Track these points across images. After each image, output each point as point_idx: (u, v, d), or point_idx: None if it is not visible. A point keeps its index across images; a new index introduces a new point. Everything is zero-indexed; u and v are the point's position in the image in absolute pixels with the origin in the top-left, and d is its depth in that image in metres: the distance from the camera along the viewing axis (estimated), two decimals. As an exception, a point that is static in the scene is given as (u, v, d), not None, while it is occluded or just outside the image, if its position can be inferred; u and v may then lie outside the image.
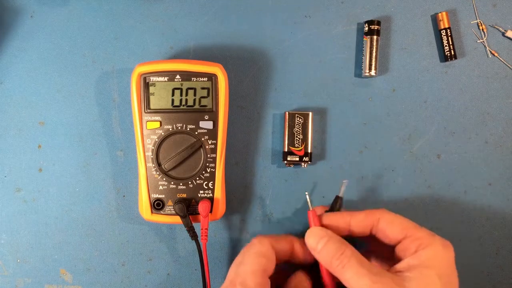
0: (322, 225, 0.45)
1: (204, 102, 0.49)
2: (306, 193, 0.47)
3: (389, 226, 0.44)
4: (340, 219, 0.45)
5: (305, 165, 0.52)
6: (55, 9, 0.53)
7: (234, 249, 0.53)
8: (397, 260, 0.43)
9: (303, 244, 0.45)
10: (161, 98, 0.49)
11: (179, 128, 0.49)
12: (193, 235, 0.49)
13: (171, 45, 0.53)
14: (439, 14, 0.53)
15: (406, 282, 0.39)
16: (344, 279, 0.41)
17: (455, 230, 0.53)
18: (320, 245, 0.43)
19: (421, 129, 0.53)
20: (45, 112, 0.53)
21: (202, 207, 0.48)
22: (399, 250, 0.43)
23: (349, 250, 0.42)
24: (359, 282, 0.39)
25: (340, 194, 0.48)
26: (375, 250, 0.48)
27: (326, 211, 0.47)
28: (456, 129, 0.54)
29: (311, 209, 0.46)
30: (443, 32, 0.53)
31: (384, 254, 0.47)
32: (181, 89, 0.49)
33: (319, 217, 0.46)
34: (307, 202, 0.47)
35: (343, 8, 0.53)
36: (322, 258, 0.43)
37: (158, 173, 0.49)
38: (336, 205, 0.48)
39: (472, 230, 0.53)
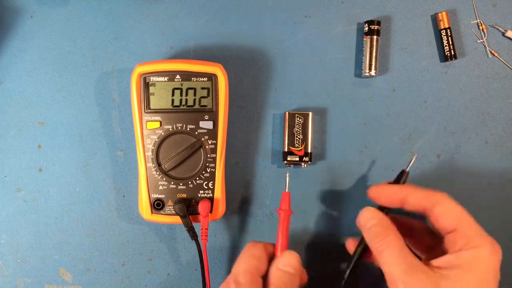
0: (374, 193, 0.46)
1: (204, 102, 0.49)
2: (287, 174, 0.47)
3: (443, 214, 0.42)
4: (397, 192, 0.45)
5: (305, 165, 0.52)
6: (55, 9, 0.53)
7: (234, 249, 0.53)
8: (442, 251, 0.42)
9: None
10: (161, 98, 0.49)
11: (179, 128, 0.49)
12: (193, 235, 0.49)
13: (171, 45, 0.53)
14: (439, 14, 0.53)
15: (442, 280, 0.39)
16: (381, 262, 0.41)
17: (455, 230, 0.53)
18: (369, 224, 0.44)
19: (421, 129, 0.53)
20: (45, 112, 0.53)
21: (202, 207, 0.48)
22: (446, 241, 0.42)
23: (393, 236, 0.42)
24: (391, 269, 0.40)
25: (407, 169, 0.47)
26: (420, 236, 0.47)
27: (390, 183, 0.47)
28: (456, 129, 0.54)
29: (286, 190, 0.46)
30: (443, 32, 0.53)
31: (428, 242, 0.46)
32: (181, 89, 0.49)
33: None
34: (286, 183, 0.47)
35: (343, 8, 0.53)
36: (368, 236, 0.44)
37: (158, 173, 0.49)
38: (401, 179, 0.47)
39: (472, 230, 0.53)
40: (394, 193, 0.45)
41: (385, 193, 0.45)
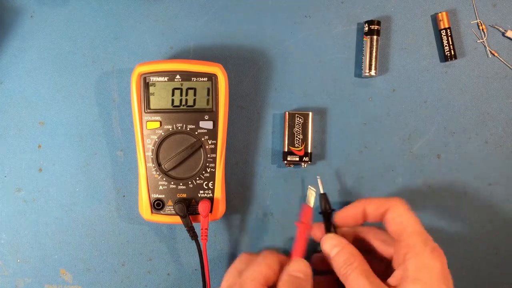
0: (340, 219, 0.47)
1: (204, 102, 0.49)
2: (311, 188, 0.48)
3: (391, 222, 0.45)
4: (355, 209, 0.47)
5: (305, 165, 0.52)
6: (55, 9, 0.53)
7: (234, 249, 0.53)
8: (393, 263, 0.44)
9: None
10: (161, 98, 0.49)
11: (179, 128, 0.49)
12: (193, 235, 0.49)
13: (171, 45, 0.53)
14: (439, 14, 0.53)
15: None
16: (347, 286, 0.43)
17: (455, 230, 0.53)
18: (333, 253, 0.45)
19: (421, 129, 0.53)
20: (45, 112, 0.53)
21: (202, 207, 0.48)
22: (395, 253, 0.44)
23: (357, 262, 0.43)
24: None
25: (322, 191, 0.48)
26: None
27: (319, 213, 0.48)
28: (456, 129, 0.54)
29: (310, 205, 0.47)
30: (443, 32, 0.53)
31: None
32: (181, 89, 0.49)
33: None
34: (307, 197, 0.48)
35: (343, 8, 0.53)
36: (333, 264, 0.45)
37: (158, 173, 0.49)
38: (324, 203, 0.48)
39: (472, 230, 0.53)
40: (355, 210, 0.47)
41: (348, 215, 0.47)
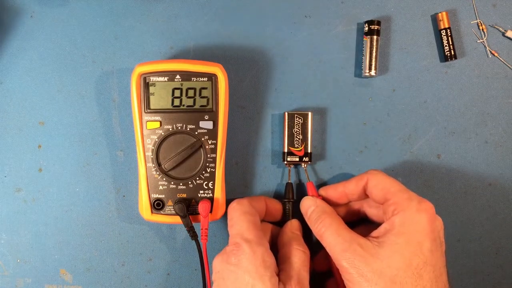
0: (321, 197, 0.50)
1: (204, 102, 0.49)
2: (304, 168, 0.52)
3: (373, 190, 0.46)
4: (334, 191, 0.49)
5: (305, 165, 0.52)
6: (55, 9, 0.53)
7: (234, 249, 0.53)
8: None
9: (272, 202, 0.51)
10: (161, 98, 0.49)
11: (179, 128, 0.49)
12: (193, 235, 0.49)
13: (171, 45, 0.53)
14: (439, 14, 0.53)
15: (378, 248, 0.41)
16: (324, 245, 0.44)
17: (455, 230, 0.53)
18: (309, 212, 0.47)
19: (421, 129, 0.53)
20: (45, 112, 0.53)
21: (202, 207, 0.48)
22: (382, 213, 0.45)
23: (329, 219, 0.45)
24: (333, 250, 0.43)
25: (308, 180, 0.51)
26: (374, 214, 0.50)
27: (281, 201, 0.52)
28: (456, 129, 0.54)
29: (308, 181, 0.51)
30: (443, 32, 0.53)
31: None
32: (181, 89, 0.49)
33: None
34: (306, 176, 0.52)
35: (343, 8, 0.53)
36: (309, 224, 0.47)
37: (158, 173, 0.49)
38: (288, 192, 0.52)
39: (472, 230, 0.53)
40: (334, 192, 0.49)
41: (330, 195, 0.49)
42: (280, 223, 0.51)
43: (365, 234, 0.44)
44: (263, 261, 0.43)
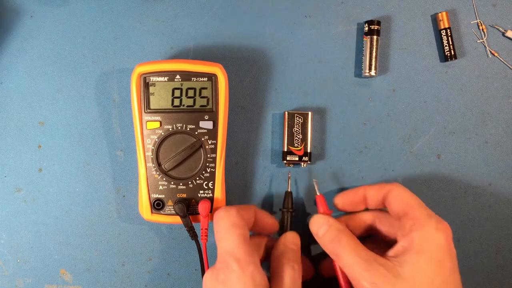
0: (339, 203, 0.49)
1: (204, 102, 0.49)
2: (314, 180, 0.50)
3: (393, 201, 0.45)
4: (355, 195, 0.48)
5: (304, 165, 0.52)
6: (55, 9, 0.53)
7: (234, 249, 0.53)
8: (398, 238, 0.44)
9: (264, 214, 0.48)
10: (161, 98, 0.49)
11: (179, 128, 0.49)
12: (193, 235, 0.49)
13: (171, 45, 0.53)
14: (439, 14, 0.53)
15: (399, 267, 0.40)
16: (342, 265, 0.43)
17: (455, 230, 0.53)
18: (321, 232, 0.45)
19: (421, 129, 0.53)
20: (45, 112, 0.53)
21: (202, 207, 0.48)
22: (399, 228, 0.44)
23: (346, 238, 0.43)
24: (351, 270, 0.41)
25: (318, 193, 0.50)
26: (385, 230, 0.48)
27: (280, 209, 0.50)
28: (456, 129, 0.54)
29: (318, 194, 0.49)
30: (443, 32, 0.53)
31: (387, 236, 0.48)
32: (181, 89, 0.49)
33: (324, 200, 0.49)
34: (315, 188, 0.50)
35: (343, 8, 0.53)
36: (322, 244, 0.45)
37: (158, 173, 0.49)
38: (287, 201, 0.50)
39: (472, 230, 0.53)
40: (354, 196, 0.48)
41: (348, 199, 0.48)
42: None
43: (377, 252, 0.43)
44: (252, 280, 0.41)
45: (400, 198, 0.45)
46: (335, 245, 0.43)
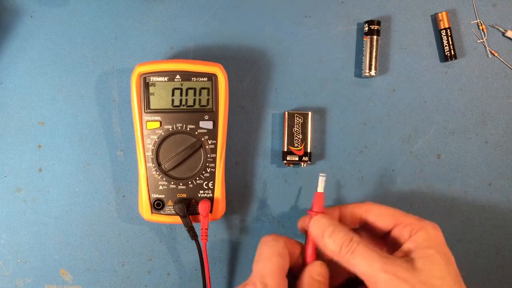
0: (301, 228, 0.45)
1: (204, 102, 0.49)
2: (322, 175, 0.44)
3: (378, 218, 0.44)
4: (331, 215, 0.44)
5: (304, 165, 0.52)
6: (55, 9, 0.53)
7: (234, 249, 0.53)
8: (392, 248, 0.43)
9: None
10: (161, 98, 0.49)
11: (179, 128, 0.49)
12: (193, 235, 0.49)
13: (171, 45, 0.53)
14: (439, 14, 0.53)
15: (413, 262, 0.40)
16: (353, 264, 0.41)
17: (455, 230, 0.53)
18: (327, 233, 0.42)
19: (421, 129, 0.53)
20: (45, 112, 0.53)
21: (202, 207, 0.48)
22: (392, 238, 0.44)
23: (357, 236, 0.42)
24: (370, 266, 0.40)
25: (319, 190, 0.44)
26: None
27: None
28: (456, 129, 0.54)
29: (320, 191, 0.44)
30: (443, 32, 0.53)
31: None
32: (181, 89, 0.49)
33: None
34: (318, 183, 0.44)
35: (343, 8, 0.53)
36: (330, 246, 0.42)
37: (158, 173, 0.49)
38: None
39: (472, 230, 0.53)
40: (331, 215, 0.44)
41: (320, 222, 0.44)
42: None
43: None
44: None
45: (384, 214, 0.44)
46: (348, 244, 0.42)
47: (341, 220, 0.45)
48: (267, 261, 0.42)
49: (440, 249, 0.41)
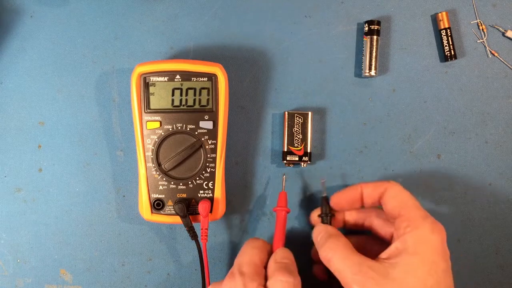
0: (335, 202, 0.49)
1: (204, 102, 0.49)
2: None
3: (389, 200, 0.45)
4: (352, 192, 0.48)
5: (304, 165, 0.52)
6: (55, 9, 0.53)
7: (234, 249, 0.53)
8: (392, 239, 0.44)
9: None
10: (161, 98, 0.49)
11: (179, 128, 0.49)
12: (193, 235, 0.49)
13: (171, 45, 0.53)
14: (439, 14, 0.53)
15: (391, 269, 0.40)
16: (333, 270, 0.43)
17: (455, 230, 0.53)
18: (318, 238, 0.46)
19: (421, 129, 0.53)
20: (45, 112, 0.53)
21: (202, 207, 0.48)
22: (394, 228, 0.44)
23: (335, 241, 0.44)
24: (342, 274, 0.41)
25: (324, 194, 0.50)
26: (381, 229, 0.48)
27: (319, 215, 0.49)
28: (456, 129, 0.54)
29: (283, 190, 0.50)
30: (443, 32, 0.53)
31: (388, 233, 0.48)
32: (181, 89, 0.49)
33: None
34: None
35: (343, 8, 0.53)
36: (318, 248, 0.45)
37: (158, 173, 0.49)
38: (325, 206, 0.49)
39: (472, 230, 0.53)
40: (351, 193, 0.48)
41: (345, 197, 0.48)
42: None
43: (372, 249, 0.43)
44: None
45: (397, 198, 0.45)
46: (326, 249, 0.44)
47: (363, 198, 0.47)
48: (245, 254, 0.45)
49: (429, 257, 0.40)
